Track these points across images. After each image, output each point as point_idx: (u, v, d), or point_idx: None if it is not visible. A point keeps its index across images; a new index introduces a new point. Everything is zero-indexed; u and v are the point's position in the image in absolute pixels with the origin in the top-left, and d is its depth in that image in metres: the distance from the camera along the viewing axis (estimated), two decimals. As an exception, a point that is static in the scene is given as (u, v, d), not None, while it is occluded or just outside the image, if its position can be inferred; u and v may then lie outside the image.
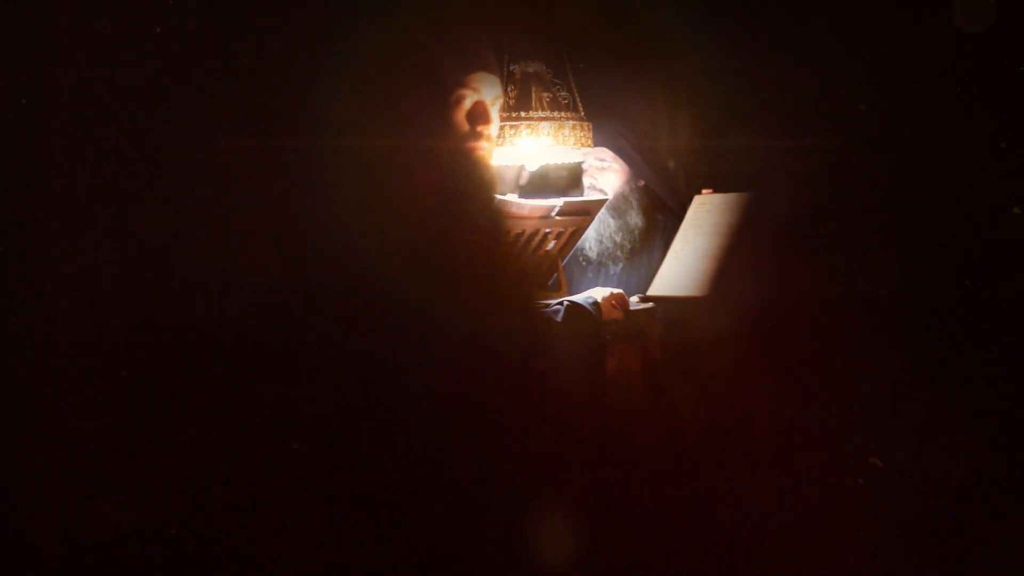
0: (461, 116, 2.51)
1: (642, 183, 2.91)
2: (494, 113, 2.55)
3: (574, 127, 2.60)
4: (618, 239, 2.90)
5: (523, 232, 2.68)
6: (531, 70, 2.61)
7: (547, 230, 2.71)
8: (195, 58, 2.22)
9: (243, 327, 2.23)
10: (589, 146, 2.64)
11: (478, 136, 2.53)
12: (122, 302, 2.17)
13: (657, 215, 2.92)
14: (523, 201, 2.66)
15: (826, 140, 2.73)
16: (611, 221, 2.89)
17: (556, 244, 2.76)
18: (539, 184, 2.93)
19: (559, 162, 2.70)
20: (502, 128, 2.57)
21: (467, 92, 2.51)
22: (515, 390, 2.37)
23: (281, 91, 2.29)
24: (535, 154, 2.62)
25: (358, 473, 2.28)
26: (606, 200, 2.79)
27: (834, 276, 2.63)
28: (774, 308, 2.58)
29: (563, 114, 2.60)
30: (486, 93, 2.53)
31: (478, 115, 2.53)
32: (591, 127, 2.63)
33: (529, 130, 2.58)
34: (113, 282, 2.17)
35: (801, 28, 2.76)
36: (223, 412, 2.22)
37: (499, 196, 2.59)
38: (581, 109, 2.63)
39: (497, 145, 2.57)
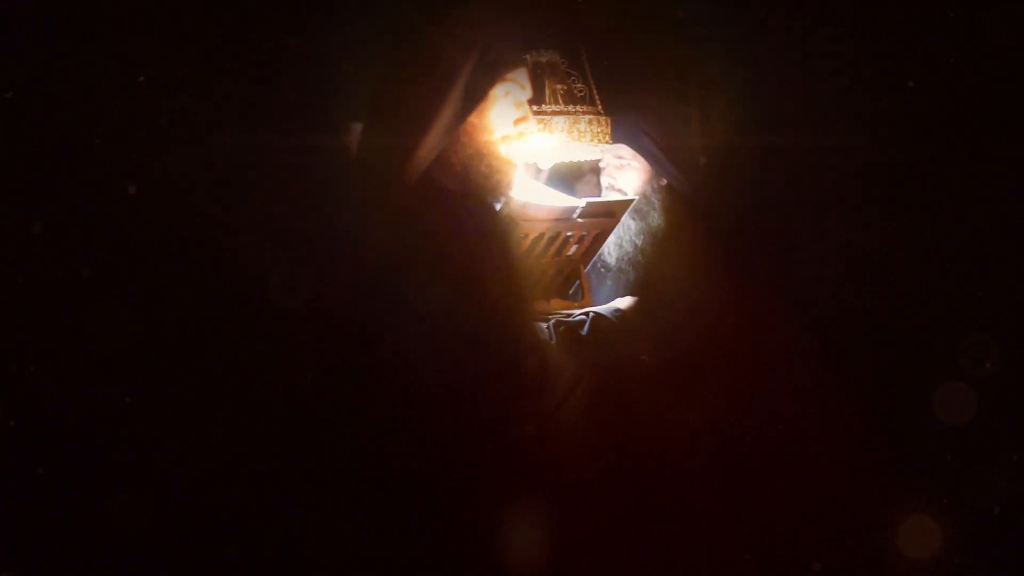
0: (501, 111, 2.37)
1: (664, 182, 2.73)
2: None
3: (590, 122, 2.44)
4: (639, 242, 2.72)
5: (542, 235, 2.51)
6: (544, 60, 2.45)
7: (568, 233, 2.54)
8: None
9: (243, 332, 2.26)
10: (607, 143, 2.48)
11: (520, 133, 2.40)
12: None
13: (680, 217, 2.74)
14: (542, 202, 2.50)
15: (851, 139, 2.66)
16: (632, 223, 2.72)
17: (578, 249, 2.59)
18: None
19: (574, 160, 2.52)
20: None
21: (511, 87, 2.37)
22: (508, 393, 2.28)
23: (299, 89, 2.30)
24: (548, 151, 2.45)
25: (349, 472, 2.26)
26: (632, 201, 2.63)
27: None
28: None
29: (578, 108, 2.44)
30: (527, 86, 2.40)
31: (520, 109, 2.39)
32: (609, 122, 2.47)
33: (542, 125, 2.41)
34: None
35: (840, 29, 2.68)
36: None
37: (515, 197, 2.43)
38: (598, 102, 2.46)
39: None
